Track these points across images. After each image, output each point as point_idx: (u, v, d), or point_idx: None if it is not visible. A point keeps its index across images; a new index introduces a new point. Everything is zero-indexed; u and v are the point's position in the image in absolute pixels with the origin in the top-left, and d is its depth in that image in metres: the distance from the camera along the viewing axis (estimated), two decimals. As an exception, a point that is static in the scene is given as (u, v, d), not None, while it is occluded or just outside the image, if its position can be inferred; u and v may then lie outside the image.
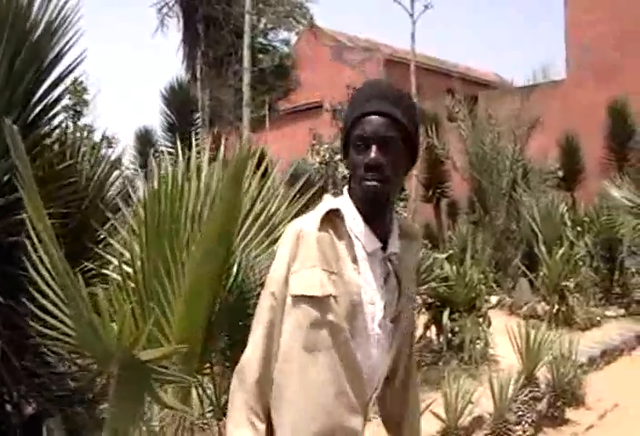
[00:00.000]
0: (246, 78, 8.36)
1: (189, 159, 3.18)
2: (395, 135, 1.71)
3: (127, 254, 2.94)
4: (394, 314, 1.77)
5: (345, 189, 1.82)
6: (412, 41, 11.91)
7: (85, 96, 17.88)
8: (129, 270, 2.84)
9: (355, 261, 1.71)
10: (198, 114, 13.73)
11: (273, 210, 3.26)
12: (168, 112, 13.36)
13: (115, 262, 3.01)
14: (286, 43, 19.57)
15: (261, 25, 17.94)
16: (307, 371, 1.67)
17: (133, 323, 2.54)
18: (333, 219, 1.72)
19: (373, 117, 1.70)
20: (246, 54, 8.30)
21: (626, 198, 9.46)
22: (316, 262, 1.67)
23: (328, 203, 1.77)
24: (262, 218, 3.23)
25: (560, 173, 15.40)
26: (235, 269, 3.00)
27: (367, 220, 1.74)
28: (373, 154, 1.67)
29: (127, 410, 2.31)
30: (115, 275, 3.01)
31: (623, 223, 9.66)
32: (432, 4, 12.32)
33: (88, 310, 1.99)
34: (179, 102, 13.20)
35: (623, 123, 17.95)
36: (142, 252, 2.76)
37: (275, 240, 3.21)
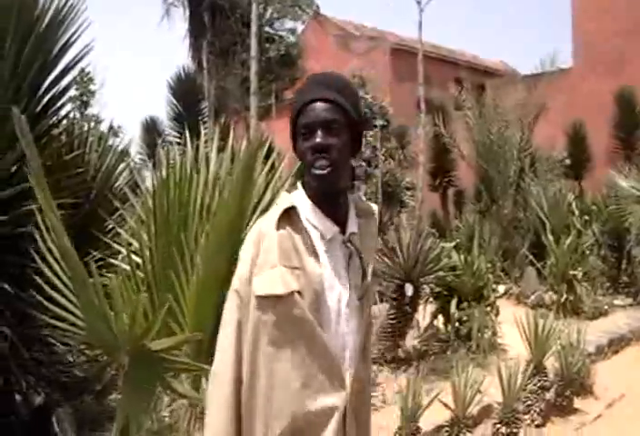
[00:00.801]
0: (254, 66, 8.31)
1: (197, 148, 3.17)
2: (338, 118, 1.75)
3: (136, 244, 2.93)
4: (361, 293, 1.84)
5: (299, 183, 1.87)
6: (419, 29, 11.82)
7: (92, 87, 17.88)
8: (138, 260, 2.83)
9: (314, 252, 1.76)
10: (205, 104, 13.71)
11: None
12: (175, 102, 13.37)
13: (124, 251, 3.01)
14: (292, 32, 19.42)
15: (267, 15, 17.86)
16: (273, 369, 1.71)
17: (143, 313, 2.56)
18: (290, 215, 1.76)
19: (317, 104, 1.75)
20: (254, 42, 8.25)
21: (634, 187, 9.41)
22: (277, 261, 1.71)
23: (283, 200, 1.82)
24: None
25: (567, 162, 15.34)
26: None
27: (322, 207, 1.79)
28: (318, 139, 1.72)
29: (139, 399, 2.31)
30: (124, 265, 3.01)
31: (631, 213, 9.58)
32: (439, -8, 12.12)
33: (100, 300, 1.99)
34: (185, 91, 13.15)
35: (630, 112, 17.89)
36: (150, 242, 2.76)
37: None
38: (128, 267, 2.82)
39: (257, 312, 1.71)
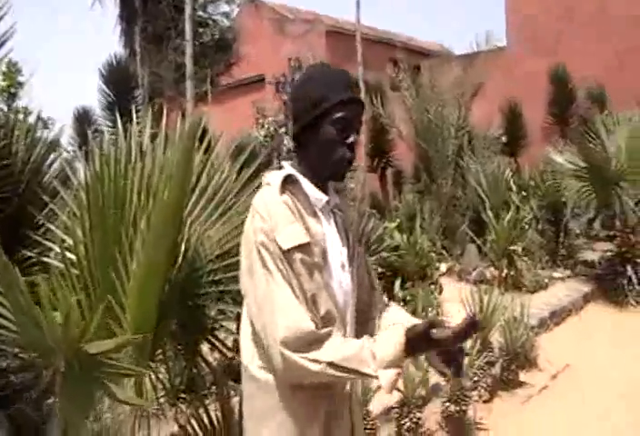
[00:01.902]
0: (189, 51, 8.12)
1: (130, 137, 3.06)
2: (362, 123, 2.06)
3: (69, 240, 2.81)
4: (349, 257, 2.04)
5: (288, 164, 2.06)
6: (357, 9, 11.72)
7: (20, 78, 17.28)
8: (72, 256, 2.72)
9: (314, 213, 1.97)
10: (139, 91, 13.40)
11: (219, 183, 3.17)
12: (107, 90, 13.03)
13: (57, 248, 2.89)
14: (227, 16, 19.12)
15: (200, -1, 17.56)
16: (316, 302, 1.88)
17: (79, 314, 2.45)
18: (288, 182, 1.96)
19: (356, 105, 2.00)
20: (188, 25, 8.05)
21: (569, 162, 9.58)
22: (292, 218, 1.89)
23: (279, 173, 1.99)
24: (209, 192, 3.15)
25: (504, 139, 15.53)
26: (183, 246, 2.91)
27: (313, 183, 2.02)
28: (354, 137, 1.98)
29: (77, 406, 2.20)
30: (57, 263, 2.89)
31: (566, 187, 9.78)
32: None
33: (27, 301, 1.88)
34: (117, 79, 12.82)
35: (564, 88, 18.22)
36: (85, 237, 2.64)
37: (223, 213, 3.13)
38: (62, 264, 2.70)
39: (289, 264, 1.85)
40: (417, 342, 1.78)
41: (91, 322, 1.95)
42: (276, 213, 1.87)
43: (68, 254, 2.70)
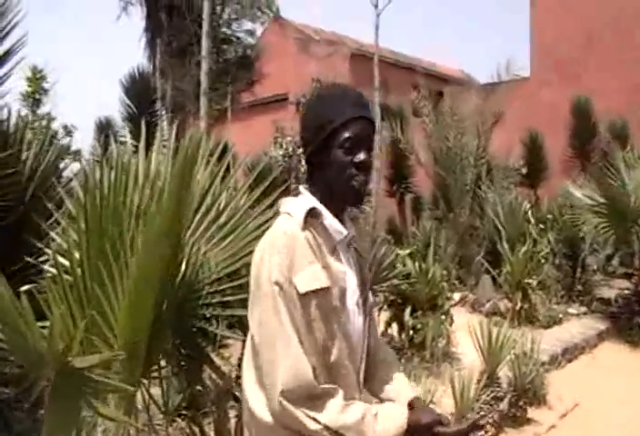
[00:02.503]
0: (204, 66, 8.13)
1: (145, 149, 3.00)
2: (374, 139, 1.95)
3: (65, 247, 2.73)
4: (364, 297, 1.98)
5: (304, 188, 1.95)
6: (375, 33, 11.74)
7: (45, 84, 17.48)
8: (66, 263, 2.63)
9: (334, 251, 1.88)
10: (159, 105, 13.44)
11: (225, 203, 3.09)
12: (128, 102, 13.09)
13: (60, 259, 2.81)
14: (251, 33, 19.24)
15: (225, 15, 17.65)
16: (327, 353, 1.81)
17: (70, 326, 2.36)
18: (311, 217, 1.84)
19: (362, 122, 1.88)
20: (204, 42, 8.06)
21: (588, 197, 9.45)
22: (312, 258, 1.79)
23: (300, 203, 1.88)
24: (213, 212, 3.06)
25: (524, 171, 15.43)
26: (183, 266, 2.83)
27: (332, 213, 1.90)
28: (365, 156, 1.86)
29: (63, 419, 2.13)
30: (54, 271, 2.81)
31: (584, 222, 9.63)
32: (396, -5, 11.96)
33: (10, 313, 1.80)
34: (139, 91, 12.89)
35: (586, 122, 18.06)
36: (80, 250, 2.55)
37: (227, 235, 3.04)
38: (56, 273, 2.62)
39: (305, 309, 1.76)
40: (418, 431, 1.80)
41: (75, 336, 1.86)
42: (297, 251, 1.77)
43: (62, 261, 2.61)
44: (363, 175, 1.86)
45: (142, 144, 3.13)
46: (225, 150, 3.55)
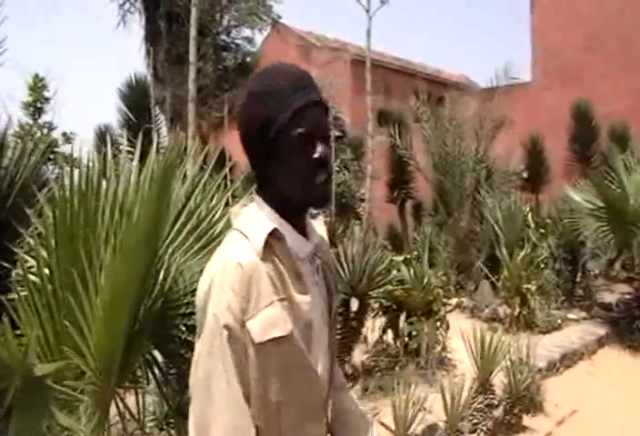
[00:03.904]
0: (192, 73, 8.10)
1: (105, 158, 2.98)
2: (329, 123, 1.60)
3: (32, 261, 2.71)
4: (329, 313, 1.70)
5: (255, 195, 1.62)
6: (367, 37, 11.76)
7: (46, 93, 17.47)
8: (47, 270, 2.60)
9: (298, 276, 1.55)
10: (157, 112, 13.44)
11: (204, 213, 3.06)
12: (125, 109, 13.11)
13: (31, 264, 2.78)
14: (250, 40, 19.29)
15: (224, 22, 17.69)
16: (283, 411, 1.51)
17: (41, 336, 2.34)
18: (270, 240, 1.52)
19: (311, 109, 1.53)
20: (192, 46, 8.02)
21: (588, 201, 9.38)
22: (271, 296, 1.47)
23: (257, 220, 1.55)
24: (192, 221, 3.03)
25: (525, 175, 15.37)
26: (161, 275, 2.80)
27: (290, 222, 1.58)
28: (322, 150, 1.53)
29: (25, 427, 2.11)
30: (34, 278, 2.78)
31: (585, 226, 9.56)
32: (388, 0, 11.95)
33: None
34: (136, 99, 12.92)
35: (586, 126, 18.02)
36: (50, 257, 2.52)
37: (205, 246, 3.01)
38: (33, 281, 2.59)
39: (259, 358, 1.46)
40: None
41: (30, 342, 1.83)
42: (253, 290, 1.45)
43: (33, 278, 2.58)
44: (324, 172, 1.53)
45: (137, 153, 3.12)
46: (223, 157, 3.53)
